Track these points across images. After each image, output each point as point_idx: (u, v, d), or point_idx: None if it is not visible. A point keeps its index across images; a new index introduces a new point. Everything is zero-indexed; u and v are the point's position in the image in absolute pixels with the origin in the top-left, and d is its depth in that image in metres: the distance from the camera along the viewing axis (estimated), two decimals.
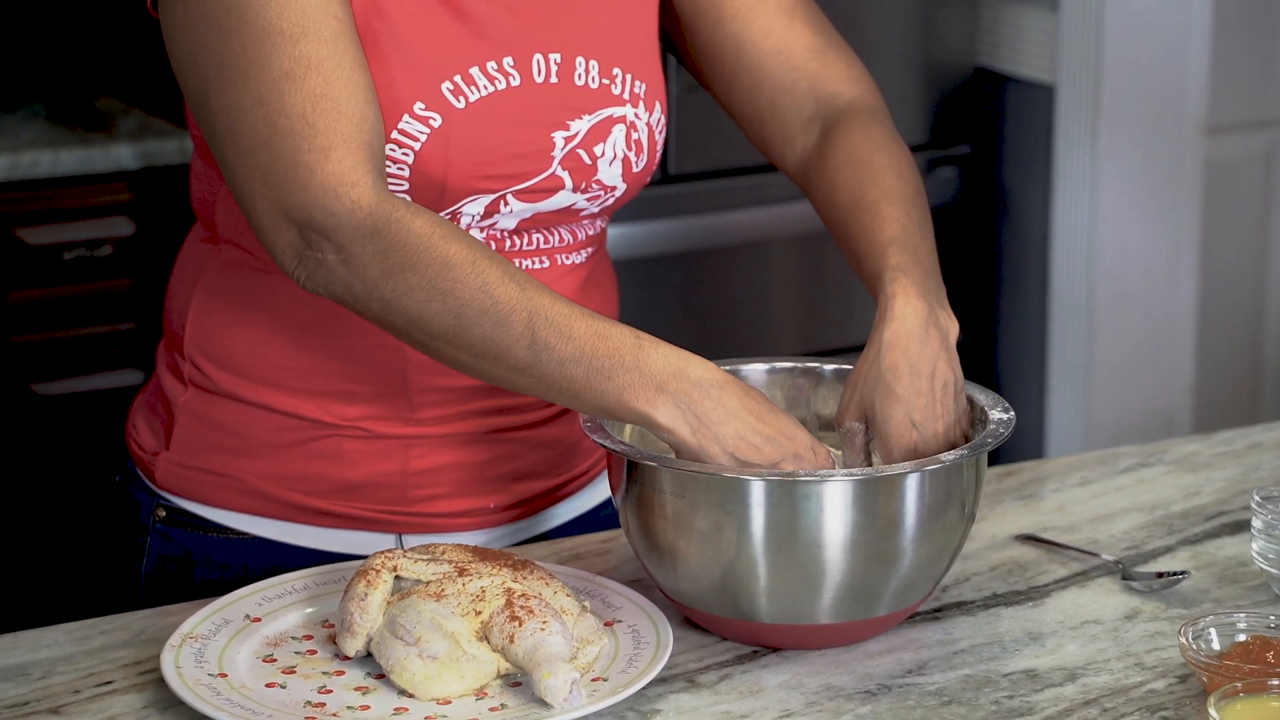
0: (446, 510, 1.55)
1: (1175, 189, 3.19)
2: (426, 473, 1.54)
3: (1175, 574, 1.48)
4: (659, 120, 1.55)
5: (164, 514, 1.57)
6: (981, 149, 3.31)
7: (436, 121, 1.44)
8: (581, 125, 1.49)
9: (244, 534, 1.55)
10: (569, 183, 1.50)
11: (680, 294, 2.99)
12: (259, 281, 1.51)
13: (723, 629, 1.39)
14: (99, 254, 2.83)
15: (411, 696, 1.30)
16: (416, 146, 1.44)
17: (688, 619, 1.41)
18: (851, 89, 1.59)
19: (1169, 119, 3.16)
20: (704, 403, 1.35)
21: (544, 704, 1.27)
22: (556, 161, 1.48)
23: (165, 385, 1.58)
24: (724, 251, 2.95)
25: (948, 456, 1.36)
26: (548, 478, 1.59)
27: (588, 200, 1.52)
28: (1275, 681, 1.25)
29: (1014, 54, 3.25)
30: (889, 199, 1.50)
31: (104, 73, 3.14)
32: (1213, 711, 1.22)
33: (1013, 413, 1.43)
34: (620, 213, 1.72)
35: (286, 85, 1.38)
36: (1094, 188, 3.14)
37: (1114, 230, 3.16)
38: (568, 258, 1.54)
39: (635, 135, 1.52)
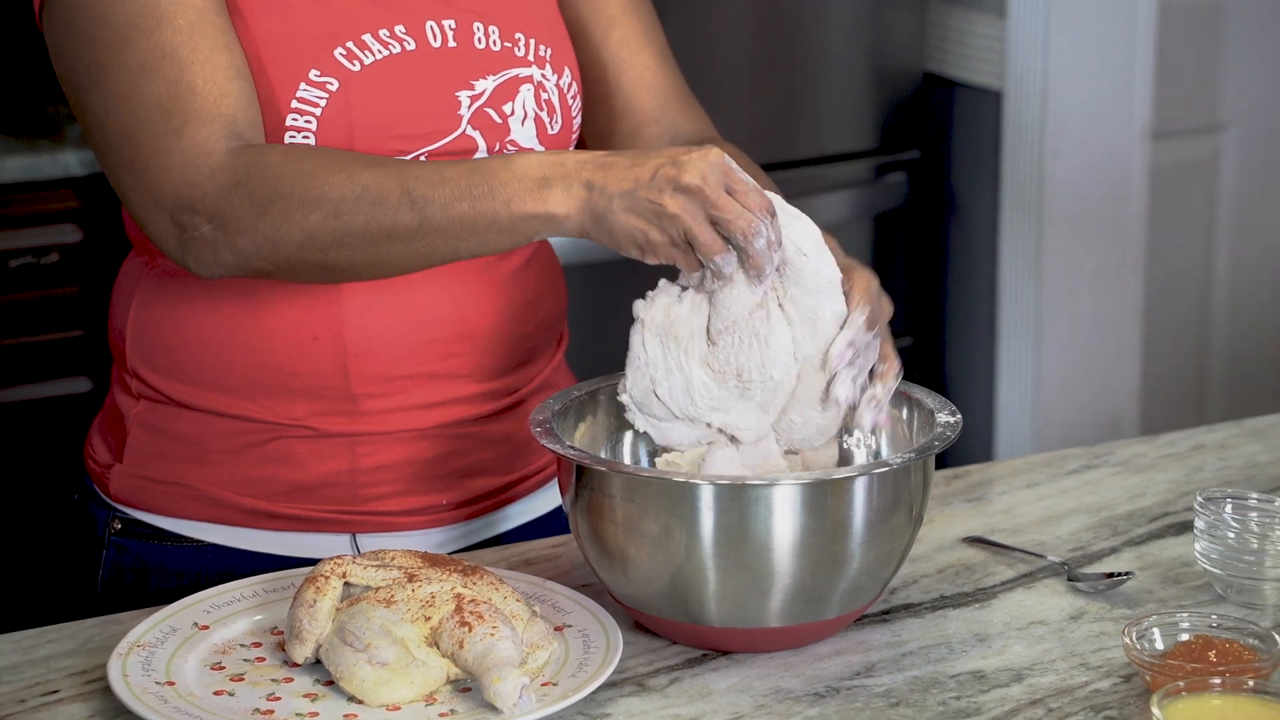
0: (399, 509, 1.55)
1: (1121, 193, 3.22)
2: (376, 470, 1.54)
3: (1120, 575, 1.50)
4: (570, 84, 1.57)
5: (119, 526, 1.57)
6: (930, 154, 3.32)
7: (334, 86, 1.46)
8: (486, 85, 1.51)
9: (199, 541, 1.55)
10: (482, 144, 1.51)
11: (632, 299, 2.99)
12: (190, 286, 1.52)
13: (672, 633, 1.40)
14: (46, 261, 2.81)
15: (361, 703, 1.30)
16: (318, 112, 1.46)
17: (638, 623, 1.42)
18: (706, 132, 1.67)
19: (1115, 124, 3.18)
20: (590, 175, 1.33)
21: (494, 709, 1.27)
22: (465, 120, 1.50)
23: (117, 400, 1.59)
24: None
25: (895, 459, 1.37)
26: (499, 474, 1.60)
27: None
28: (1217, 680, 1.26)
29: (962, 60, 3.27)
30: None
31: (51, 80, 3.12)
32: (1156, 710, 1.23)
33: (960, 416, 1.44)
34: None
35: (144, 77, 1.41)
36: (1041, 192, 3.16)
37: (1061, 234, 3.18)
38: None
39: (545, 96, 1.54)
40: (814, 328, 1.39)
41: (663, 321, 1.38)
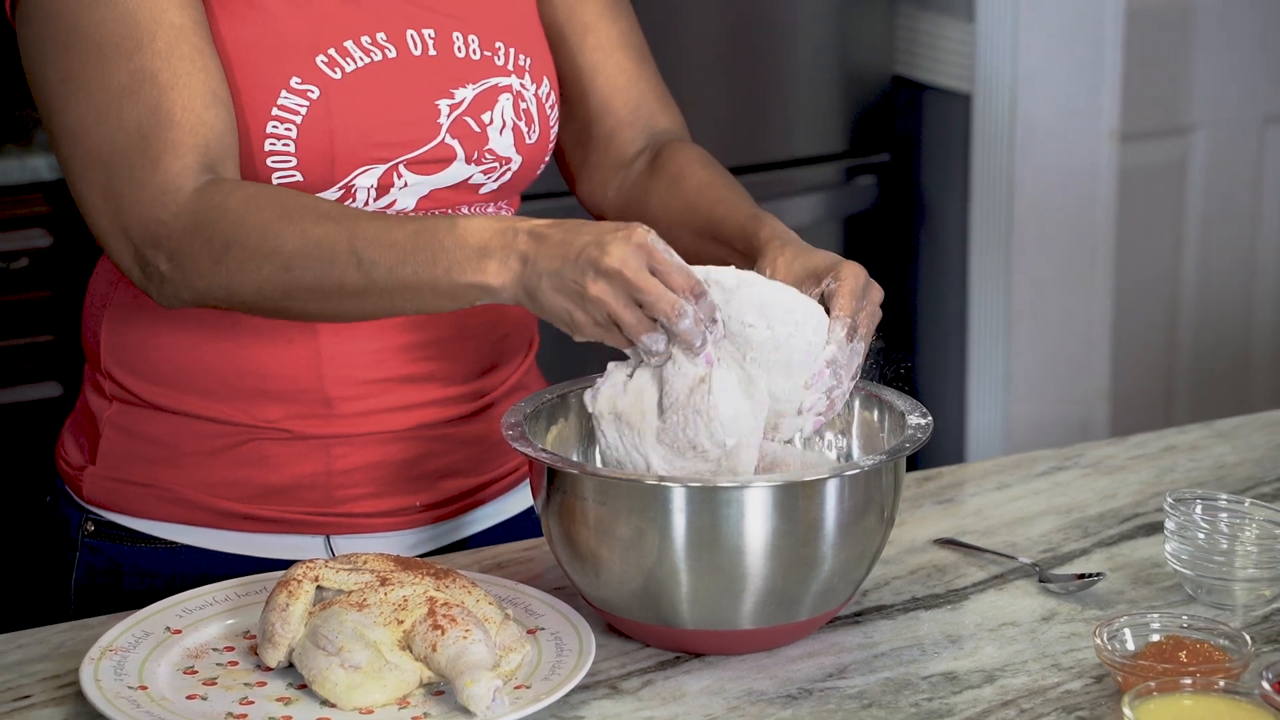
0: (373, 510, 1.55)
1: (1090, 195, 3.23)
2: (350, 472, 1.54)
3: (1091, 576, 1.50)
4: (548, 94, 1.57)
5: (92, 528, 1.56)
6: (900, 157, 3.33)
7: (315, 94, 1.46)
8: (466, 94, 1.52)
9: (172, 543, 1.55)
10: (460, 152, 1.51)
11: None
12: None
13: (645, 635, 1.40)
14: (16, 266, 2.80)
15: (334, 706, 1.29)
16: (298, 120, 1.46)
17: (610, 626, 1.42)
18: (678, 130, 1.68)
19: (1083, 126, 3.20)
20: (525, 247, 1.33)
21: (467, 712, 1.27)
22: (444, 129, 1.50)
23: (90, 402, 1.58)
24: None
25: (866, 462, 1.37)
26: (472, 475, 1.60)
27: (484, 174, 1.54)
28: (1188, 680, 1.27)
29: (931, 63, 3.28)
30: (736, 190, 1.58)
31: (18, 85, 3.11)
32: (1127, 711, 1.24)
33: (930, 418, 1.44)
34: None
35: (124, 100, 1.41)
36: (1010, 195, 3.17)
37: (1030, 237, 3.20)
38: None
39: (523, 105, 1.55)
40: (788, 370, 1.39)
41: (609, 410, 1.38)
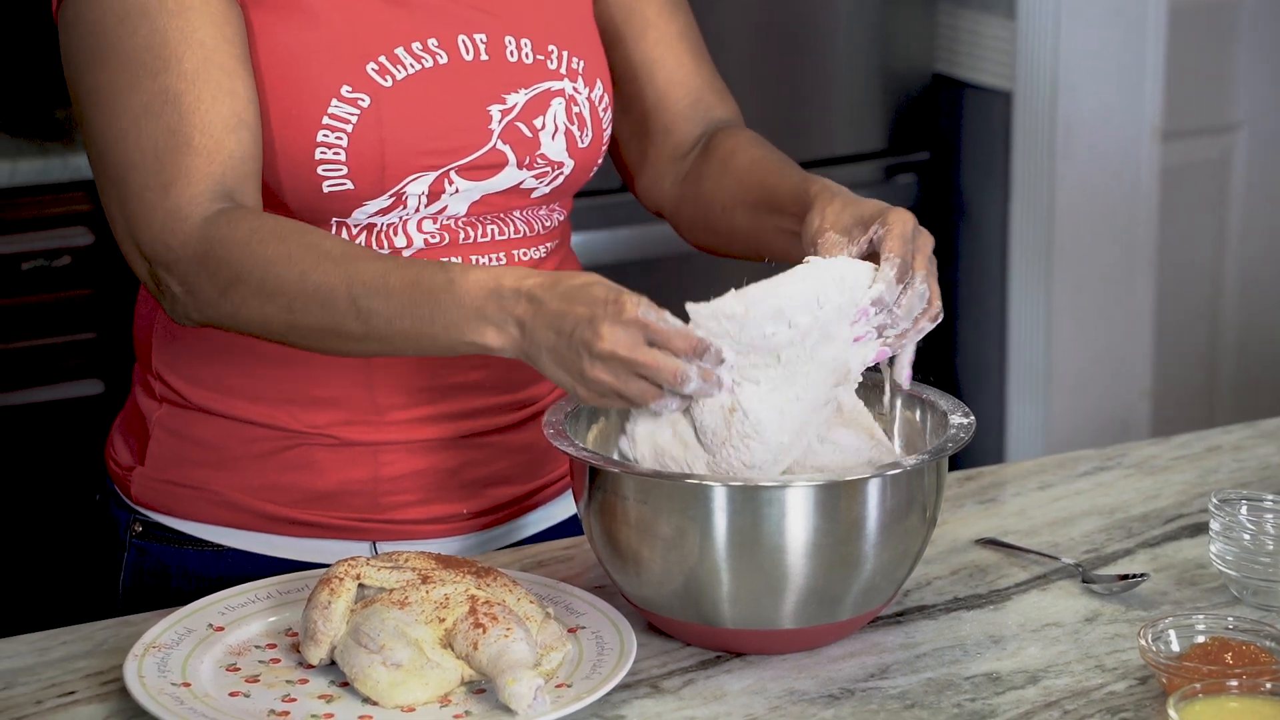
0: (419, 517, 1.55)
1: (1131, 194, 3.21)
2: (398, 479, 1.54)
3: (1135, 577, 1.49)
4: (601, 96, 1.56)
5: (140, 529, 1.57)
6: (940, 155, 3.32)
7: (365, 102, 1.45)
8: (518, 99, 1.51)
9: (219, 546, 1.55)
10: (512, 158, 1.51)
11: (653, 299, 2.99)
12: None
13: (686, 634, 1.40)
14: (58, 264, 2.81)
15: (376, 704, 1.30)
16: (349, 129, 1.45)
17: (651, 625, 1.42)
18: (735, 119, 1.67)
19: (1125, 124, 3.18)
20: (521, 313, 1.32)
21: (508, 710, 1.27)
22: (496, 135, 1.50)
23: (140, 402, 1.59)
24: (687, 258, 2.96)
25: (909, 461, 1.37)
26: (520, 483, 1.60)
27: (535, 178, 1.53)
28: (1233, 682, 1.26)
29: (972, 61, 3.27)
30: (787, 163, 1.57)
31: (61, 83, 3.13)
32: (1172, 712, 1.23)
33: (973, 417, 1.44)
34: (584, 219, 1.73)
35: (145, 121, 1.41)
36: (1051, 193, 3.16)
37: (1072, 235, 3.18)
38: (525, 252, 1.54)
39: (576, 109, 1.54)
40: (830, 341, 1.36)
41: (652, 453, 1.37)
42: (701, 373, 1.32)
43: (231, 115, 1.42)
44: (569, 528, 1.63)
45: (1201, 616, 1.36)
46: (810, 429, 1.38)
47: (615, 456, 1.40)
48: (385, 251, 1.49)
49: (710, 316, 1.34)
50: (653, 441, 1.37)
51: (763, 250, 1.55)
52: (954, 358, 3.38)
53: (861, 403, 1.43)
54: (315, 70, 1.45)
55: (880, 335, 1.38)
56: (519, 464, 1.59)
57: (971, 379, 3.35)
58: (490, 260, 1.52)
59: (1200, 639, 1.34)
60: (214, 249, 1.39)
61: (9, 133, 2.93)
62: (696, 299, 1.35)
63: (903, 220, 1.39)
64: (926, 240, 1.40)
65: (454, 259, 1.50)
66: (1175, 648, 1.34)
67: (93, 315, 2.85)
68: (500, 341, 1.33)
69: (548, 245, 1.57)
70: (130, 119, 1.41)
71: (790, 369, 1.36)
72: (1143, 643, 1.33)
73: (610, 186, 1.71)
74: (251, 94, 1.44)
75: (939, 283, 1.41)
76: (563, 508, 1.64)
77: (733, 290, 1.35)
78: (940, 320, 1.41)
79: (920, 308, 1.39)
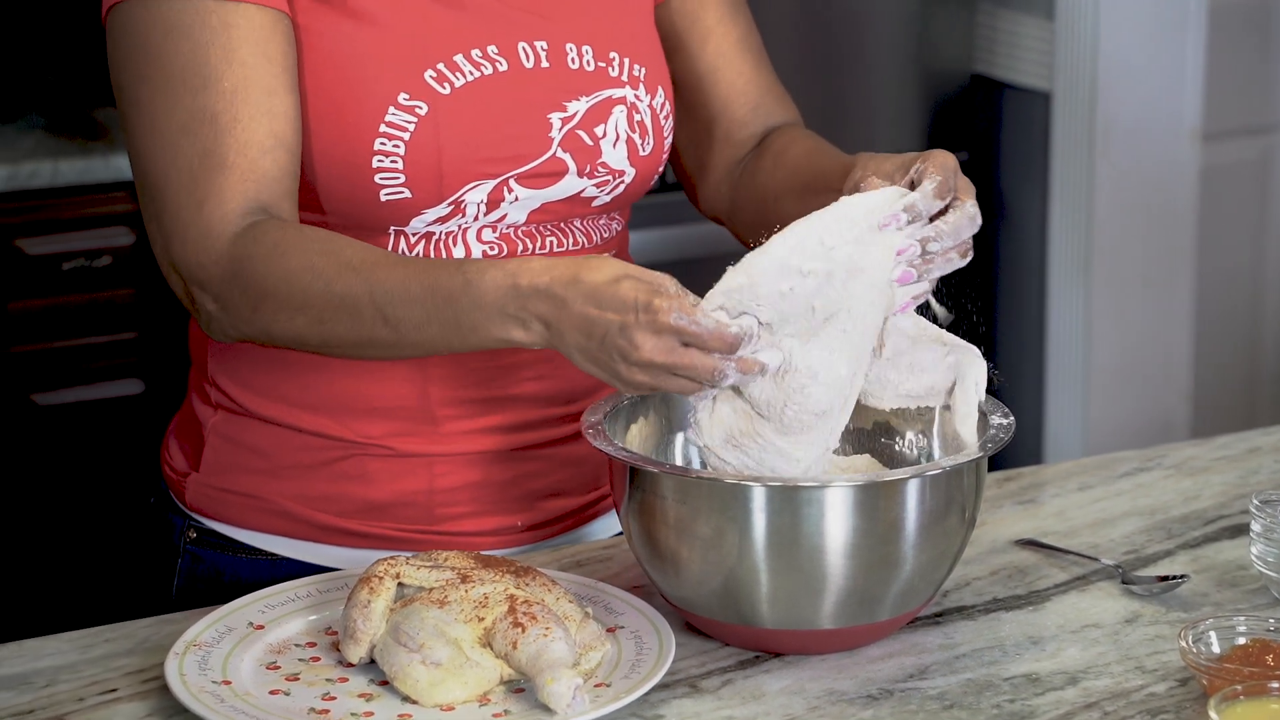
0: (473, 529, 1.55)
1: (1171, 195, 3.20)
2: (452, 491, 1.54)
3: (1175, 578, 1.49)
4: (662, 104, 1.55)
5: (194, 535, 1.57)
6: (979, 156, 3.31)
7: (423, 110, 1.45)
8: (579, 106, 1.50)
9: (272, 555, 1.55)
10: (572, 166, 1.50)
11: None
12: None
13: (725, 634, 1.40)
14: (98, 264, 2.83)
15: (415, 703, 1.30)
16: (406, 137, 1.45)
17: (689, 624, 1.42)
18: (794, 120, 1.67)
19: (1165, 125, 3.17)
20: (544, 312, 1.32)
21: (547, 710, 1.28)
22: (556, 143, 1.49)
23: (195, 408, 1.59)
24: (740, 256, 2.97)
25: (948, 462, 1.36)
26: (575, 495, 1.59)
27: (596, 186, 1.52)
28: (1275, 684, 1.25)
29: (1010, 61, 3.26)
30: (840, 152, 1.57)
31: (103, 83, 3.15)
32: (1213, 714, 1.23)
33: (1012, 418, 1.43)
34: (639, 218, 1.72)
35: (183, 139, 1.42)
36: (1090, 194, 3.15)
37: (1111, 236, 3.17)
38: None
39: (637, 117, 1.53)
40: (864, 278, 1.35)
41: (723, 437, 1.37)
42: (740, 365, 1.31)
43: (269, 136, 1.42)
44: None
45: (1242, 618, 1.35)
46: (866, 356, 1.37)
47: (682, 442, 1.42)
48: None
49: (724, 299, 1.32)
50: (721, 425, 1.37)
51: None
52: (992, 358, 3.37)
53: (922, 318, 1.41)
54: (372, 77, 1.44)
55: (924, 252, 1.35)
56: (574, 476, 1.58)
57: (1010, 379, 3.34)
58: None
59: (1241, 640, 1.34)
60: (242, 266, 1.40)
61: (51, 132, 2.95)
62: None
63: (944, 155, 1.38)
64: (965, 183, 1.39)
65: None
66: (1216, 649, 1.34)
67: (133, 315, 2.86)
68: (528, 338, 1.33)
69: (608, 255, 1.56)
70: (169, 136, 1.42)
71: (828, 311, 1.34)
72: (1183, 644, 1.32)
73: (663, 185, 1.71)
74: (293, 112, 1.44)
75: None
76: (617, 521, 1.63)
77: (729, 266, 1.33)
78: (970, 259, 1.38)
79: (970, 231, 1.36)
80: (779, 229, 1.34)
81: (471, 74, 1.47)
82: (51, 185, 2.80)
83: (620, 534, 1.62)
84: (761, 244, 1.33)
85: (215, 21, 1.42)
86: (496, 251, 1.50)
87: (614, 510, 1.62)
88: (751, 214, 1.61)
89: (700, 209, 1.68)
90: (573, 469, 1.58)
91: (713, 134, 1.63)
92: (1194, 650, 1.32)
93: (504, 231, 1.50)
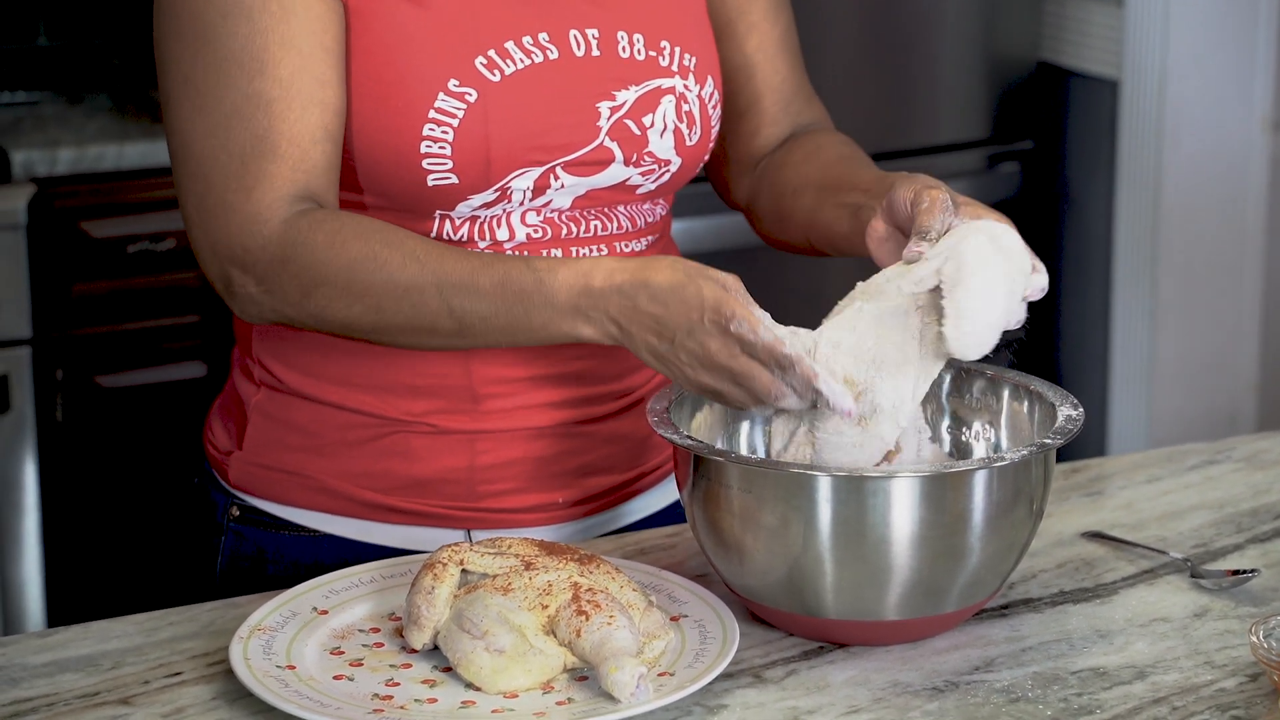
0: (515, 505, 1.55)
1: (1240, 184, 3.17)
2: (494, 468, 1.54)
3: (1245, 572, 1.47)
4: (711, 94, 1.56)
5: (237, 512, 1.58)
6: (1044, 144, 3.29)
7: (472, 96, 1.45)
8: (628, 96, 1.50)
9: (315, 531, 1.56)
10: (619, 155, 1.50)
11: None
12: None
13: (789, 625, 1.39)
14: (162, 247, 2.85)
15: (478, 690, 1.30)
16: (455, 123, 1.45)
17: (753, 614, 1.41)
18: (822, 122, 1.69)
19: (1234, 113, 3.14)
20: (615, 311, 1.37)
21: (611, 698, 1.27)
22: (604, 132, 1.49)
23: (238, 386, 1.60)
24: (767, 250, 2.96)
25: (1016, 453, 1.35)
26: (618, 473, 1.59)
27: (642, 175, 1.52)
28: None
29: (1078, 49, 3.23)
30: (868, 163, 1.59)
31: None
32: None
33: (1081, 409, 1.42)
34: (685, 206, 1.72)
35: (235, 122, 1.42)
36: (1157, 183, 3.12)
37: (1178, 226, 3.14)
38: (627, 245, 1.54)
39: (686, 107, 1.53)
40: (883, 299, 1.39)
41: (795, 440, 1.40)
42: (797, 390, 1.34)
43: (319, 127, 1.43)
44: (666, 516, 1.63)
45: None
46: (909, 335, 1.39)
47: (747, 430, 1.45)
48: (486, 243, 1.49)
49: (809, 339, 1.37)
50: (792, 433, 1.40)
51: (812, 230, 1.56)
52: (1057, 349, 3.35)
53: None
54: (423, 63, 1.45)
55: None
56: (616, 453, 1.59)
57: (1074, 370, 3.32)
58: (591, 252, 1.52)
59: None
60: (297, 252, 1.40)
61: (117, 115, 2.96)
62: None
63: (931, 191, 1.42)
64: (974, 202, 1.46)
65: (554, 252, 1.50)
66: None
67: (196, 298, 2.87)
68: (598, 335, 1.38)
69: (649, 238, 1.57)
70: (220, 117, 1.42)
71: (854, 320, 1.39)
72: (1254, 639, 1.31)
73: (701, 175, 1.71)
74: (341, 105, 1.44)
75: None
76: (659, 497, 1.63)
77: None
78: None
79: (947, 222, 1.41)
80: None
81: (522, 61, 1.47)
82: (117, 168, 2.81)
83: (662, 515, 1.62)
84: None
85: (275, 7, 1.42)
86: (540, 235, 1.50)
87: (655, 486, 1.62)
88: (769, 207, 1.63)
89: (717, 192, 1.70)
90: (614, 445, 1.58)
91: (741, 128, 1.64)
92: (1265, 645, 1.31)
93: (548, 216, 1.50)
